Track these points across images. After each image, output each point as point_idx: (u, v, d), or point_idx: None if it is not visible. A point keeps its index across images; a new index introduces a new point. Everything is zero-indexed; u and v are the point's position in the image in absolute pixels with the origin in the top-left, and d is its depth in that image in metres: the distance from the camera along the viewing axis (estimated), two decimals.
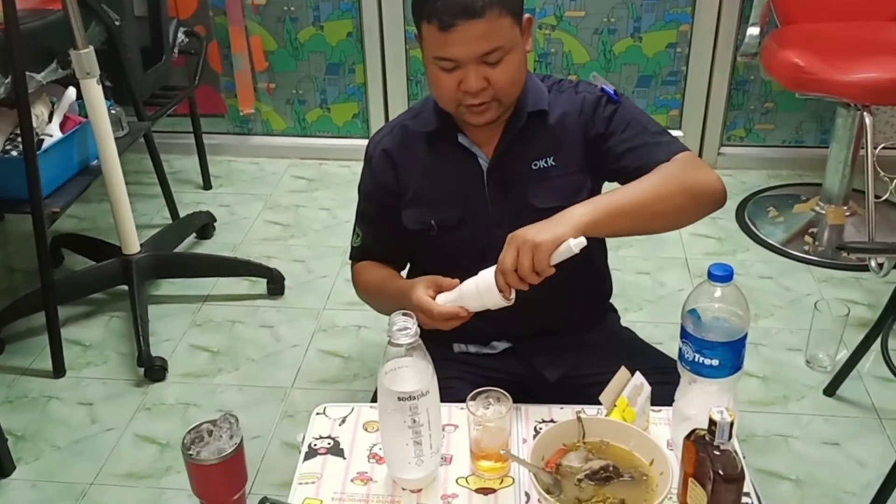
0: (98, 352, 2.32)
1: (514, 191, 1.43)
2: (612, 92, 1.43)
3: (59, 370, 2.22)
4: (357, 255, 1.60)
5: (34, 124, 2.08)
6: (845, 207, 2.81)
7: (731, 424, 1.06)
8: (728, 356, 1.16)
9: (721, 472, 1.06)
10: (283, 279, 2.56)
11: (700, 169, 1.37)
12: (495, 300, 1.27)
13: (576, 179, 1.43)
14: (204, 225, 2.84)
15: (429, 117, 1.46)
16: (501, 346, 1.53)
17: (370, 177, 1.53)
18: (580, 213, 1.25)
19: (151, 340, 2.27)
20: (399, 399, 1.11)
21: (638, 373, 1.29)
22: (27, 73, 2.00)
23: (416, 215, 1.47)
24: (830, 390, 2.11)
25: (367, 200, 1.55)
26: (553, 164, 1.42)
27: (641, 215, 1.30)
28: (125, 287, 2.39)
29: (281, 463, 1.92)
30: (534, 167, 1.43)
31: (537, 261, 1.21)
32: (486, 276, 1.27)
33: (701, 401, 1.19)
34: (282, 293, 2.54)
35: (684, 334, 1.18)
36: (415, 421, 1.12)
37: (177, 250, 2.70)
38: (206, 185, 3.17)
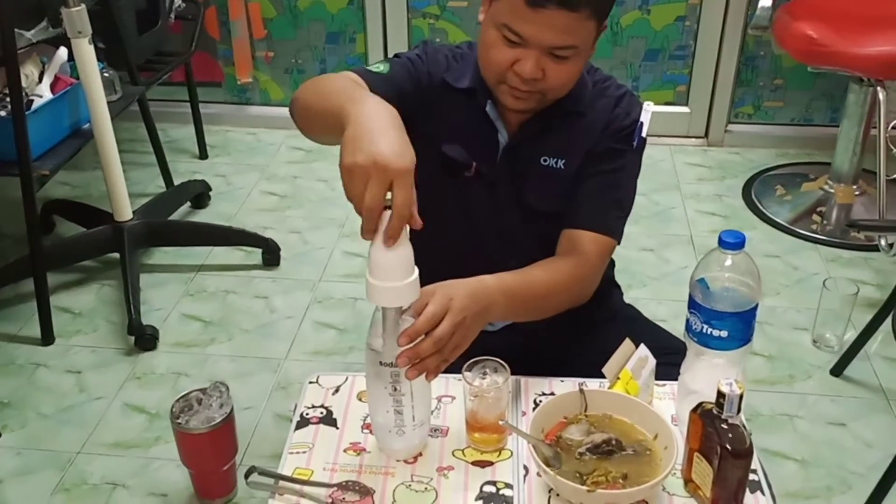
0: (88, 320, 2.28)
1: (518, 179, 1.38)
2: (641, 134, 1.35)
3: (47, 337, 2.18)
4: (363, 73, 1.26)
5: (24, 84, 2.02)
6: (855, 186, 2.77)
7: (741, 397, 1.02)
8: (738, 327, 1.11)
9: (729, 446, 1.02)
10: (279, 249, 2.51)
11: (580, 286, 1.34)
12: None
13: (571, 185, 1.37)
14: (199, 194, 2.79)
15: (465, 72, 1.37)
16: (500, 323, 1.48)
17: (424, 60, 1.35)
18: (499, 313, 1.20)
19: (143, 309, 2.23)
20: (381, 364, 1.06)
21: (643, 345, 1.24)
22: (16, 30, 1.94)
23: (458, 150, 1.37)
24: (837, 370, 2.08)
25: (413, 64, 1.34)
26: (562, 166, 1.36)
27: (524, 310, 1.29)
28: (117, 255, 2.34)
29: (273, 434, 1.89)
30: (543, 162, 1.37)
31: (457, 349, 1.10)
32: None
33: (708, 374, 1.14)
34: (277, 264, 2.50)
35: (692, 304, 1.13)
36: (396, 389, 1.07)
37: (171, 219, 2.65)
38: (203, 155, 3.11)
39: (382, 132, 0.98)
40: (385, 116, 1.01)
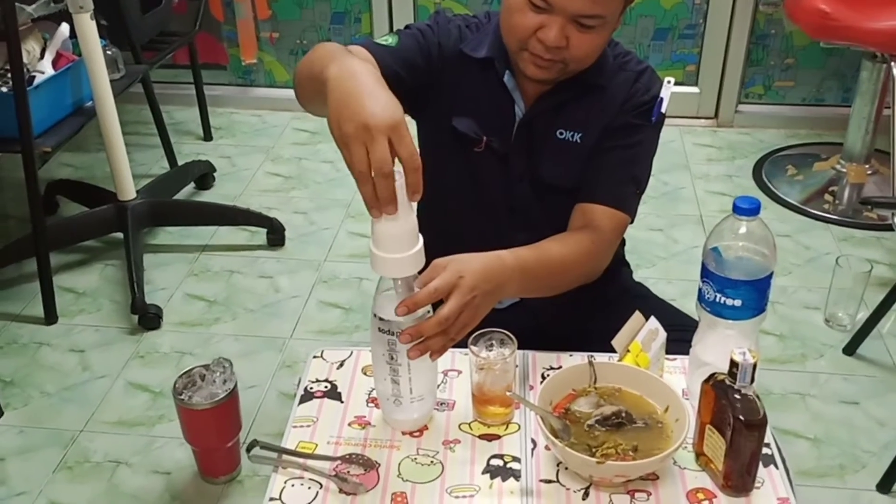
0: (91, 299, 2.26)
1: (533, 153, 1.35)
2: (661, 110, 1.32)
3: (50, 317, 2.16)
4: (370, 45, 1.24)
5: (25, 60, 2.00)
6: (867, 166, 2.73)
7: (754, 367, 0.99)
8: (752, 296, 1.08)
9: (742, 417, 0.99)
10: (284, 229, 2.50)
11: (595, 261, 1.31)
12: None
13: (586, 160, 1.34)
14: (203, 175, 2.78)
15: (483, 42, 1.34)
16: (508, 301, 1.45)
17: (434, 31, 1.31)
18: (513, 290, 1.17)
19: (147, 289, 2.22)
20: (379, 330, 1.03)
21: (653, 318, 1.21)
22: (17, 4, 1.92)
23: (469, 123, 1.34)
24: (850, 349, 2.05)
25: (423, 36, 1.31)
26: (578, 140, 1.33)
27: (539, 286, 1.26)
28: (120, 235, 2.33)
29: (277, 413, 1.87)
30: (559, 135, 1.33)
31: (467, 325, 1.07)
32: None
33: (720, 346, 1.11)
34: (282, 244, 2.48)
35: (705, 273, 1.10)
36: (392, 358, 1.05)
37: (175, 199, 2.63)
38: (207, 137, 3.10)
39: (364, 92, 0.95)
40: (363, 75, 0.98)
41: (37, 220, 2.09)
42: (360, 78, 0.97)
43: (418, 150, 0.95)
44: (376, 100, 0.94)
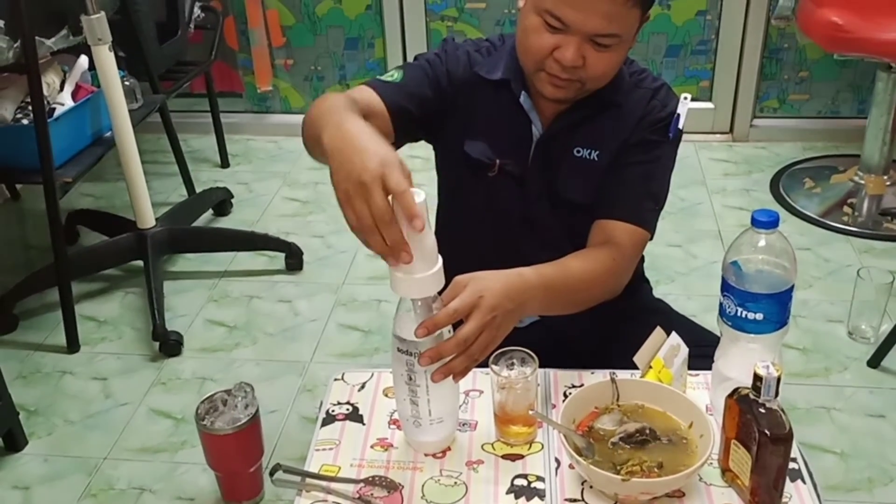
0: (113, 327, 2.28)
1: (551, 172, 1.36)
2: (678, 126, 1.33)
3: (72, 345, 2.18)
4: (375, 84, 1.28)
5: (45, 92, 2.03)
6: (885, 177, 2.72)
7: (778, 380, 0.98)
8: (773, 309, 1.08)
9: (767, 431, 0.98)
10: (302, 254, 2.51)
11: (616, 277, 1.31)
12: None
13: (604, 177, 1.34)
14: (221, 201, 2.80)
15: (497, 64, 1.35)
16: (529, 319, 1.45)
17: (443, 60, 1.34)
18: (535, 308, 1.17)
19: (167, 316, 2.23)
20: (399, 351, 1.03)
21: (674, 333, 1.21)
22: (37, 38, 1.95)
23: (481, 148, 1.35)
24: (874, 361, 2.03)
25: (431, 66, 1.34)
26: (596, 158, 1.34)
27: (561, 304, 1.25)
28: (140, 263, 2.35)
29: (299, 437, 1.87)
30: (576, 153, 1.34)
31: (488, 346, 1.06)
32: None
33: (743, 361, 1.10)
34: (300, 268, 2.49)
35: (725, 287, 1.10)
36: (411, 378, 1.05)
37: (193, 226, 2.65)
38: (224, 164, 3.13)
39: (354, 150, 0.97)
40: (350, 133, 1.00)
41: (58, 250, 2.12)
42: (348, 138, 0.99)
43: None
44: (364, 153, 0.96)
